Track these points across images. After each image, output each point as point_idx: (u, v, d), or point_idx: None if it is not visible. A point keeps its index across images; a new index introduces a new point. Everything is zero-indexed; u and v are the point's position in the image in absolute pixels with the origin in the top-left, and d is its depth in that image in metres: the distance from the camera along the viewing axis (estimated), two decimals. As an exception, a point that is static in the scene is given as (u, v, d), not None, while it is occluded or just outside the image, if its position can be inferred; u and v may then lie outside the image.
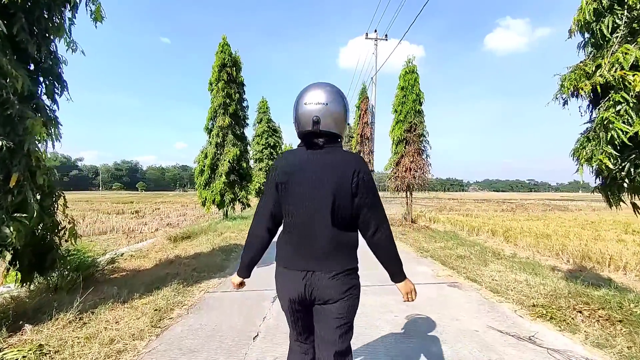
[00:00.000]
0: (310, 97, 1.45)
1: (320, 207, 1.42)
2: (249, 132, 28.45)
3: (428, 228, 10.96)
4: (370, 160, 20.17)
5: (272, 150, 21.21)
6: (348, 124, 1.64)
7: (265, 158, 21.00)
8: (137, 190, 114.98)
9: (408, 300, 1.57)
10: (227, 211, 12.02)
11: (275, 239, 1.69)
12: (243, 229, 9.18)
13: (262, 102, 21.54)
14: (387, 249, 1.53)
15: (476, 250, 6.53)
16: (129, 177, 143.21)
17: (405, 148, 11.52)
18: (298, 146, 1.55)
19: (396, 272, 1.56)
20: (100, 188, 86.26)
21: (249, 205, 12.88)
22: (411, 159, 11.34)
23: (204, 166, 11.73)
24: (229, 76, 11.90)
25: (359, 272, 1.56)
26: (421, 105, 11.60)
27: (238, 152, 11.71)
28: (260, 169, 20.83)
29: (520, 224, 12.57)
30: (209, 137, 11.95)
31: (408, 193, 11.78)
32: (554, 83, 3.12)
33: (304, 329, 1.58)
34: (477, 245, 7.33)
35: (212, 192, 11.65)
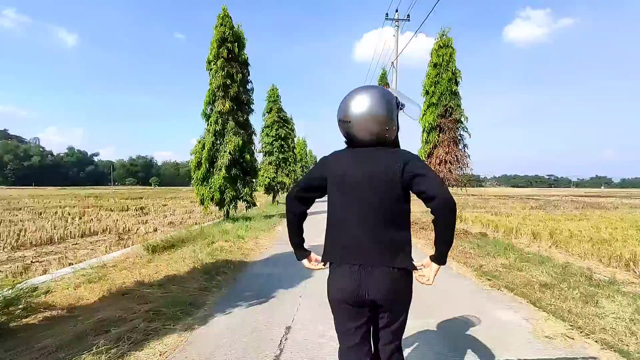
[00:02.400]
0: (341, 113, 1.50)
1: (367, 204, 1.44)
2: (257, 122, 26.81)
3: (466, 232, 9.06)
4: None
5: (282, 142, 19.49)
6: (393, 120, 1.48)
7: (276, 151, 19.28)
8: (151, 186, 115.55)
9: (424, 283, 1.50)
10: (227, 211, 10.37)
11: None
12: (242, 235, 7.50)
13: (272, 89, 19.80)
14: (442, 222, 1.41)
15: (557, 272, 4.67)
16: (143, 173, 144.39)
17: (439, 136, 9.63)
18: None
19: (442, 253, 1.47)
20: (111, 183, 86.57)
21: (254, 204, 11.22)
22: (446, 150, 9.45)
23: (201, 158, 10.09)
24: (230, 53, 10.18)
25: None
26: (457, 86, 9.67)
27: (241, 142, 10.02)
28: (270, 163, 19.15)
29: (561, 224, 10.81)
30: (207, 125, 10.29)
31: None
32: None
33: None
34: (548, 261, 5.49)
35: (210, 188, 10.00)
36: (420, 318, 3.05)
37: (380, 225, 1.42)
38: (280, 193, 20.81)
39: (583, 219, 13.19)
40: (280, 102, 19.96)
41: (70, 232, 10.51)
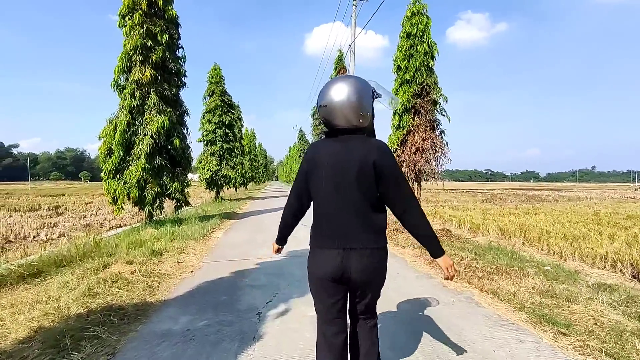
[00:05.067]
0: (320, 99, 1.57)
1: (344, 195, 1.52)
2: (195, 104, 23.88)
3: (449, 234, 7.65)
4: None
5: (227, 130, 16.98)
6: (366, 108, 1.54)
7: (219, 140, 16.75)
8: (81, 181, 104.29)
9: (448, 277, 1.55)
10: (150, 212, 7.97)
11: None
12: (161, 248, 5.29)
13: (215, 69, 17.15)
14: (418, 227, 1.54)
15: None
16: (74, 167, 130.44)
17: (413, 120, 8.09)
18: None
19: (434, 248, 1.55)
20: (29, 178, 76.17)
21: (187, 203, 8.90)
22: (423, 135, 7.94)
23: (112, 144, 7.58)
24: (153, 5, 7.76)
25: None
26: (434, 61, 8.19)
27: (167, 123, 7.67)
28: (212, 154, 16.60)
29: (522, 219, 10.39)
30: (121, 99, 7.78)
31: (416, 185, 8.39)
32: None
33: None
34: (531, 261, 4.22)
35: (125, 183, 7.55)
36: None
37: (359, 210, 1.51)
38: (225, 188, 18.33)
39: (539, 212, 12.93)
40: (224, 84, 17.43)
41: None
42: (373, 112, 1.59)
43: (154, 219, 8.46)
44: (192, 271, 4.41)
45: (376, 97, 1.59)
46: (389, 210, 1.60)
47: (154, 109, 7.69)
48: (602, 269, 5.61)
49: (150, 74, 7.60)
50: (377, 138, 1.61)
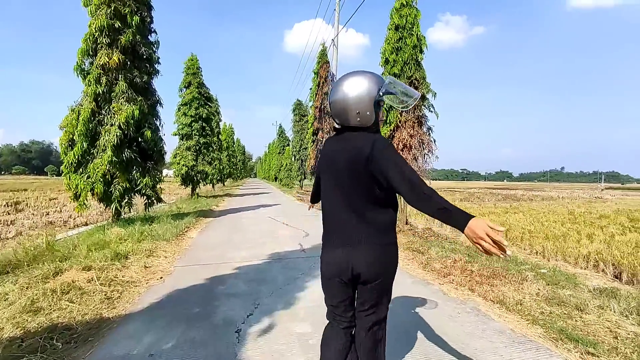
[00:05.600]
0: (329, 96, 1.58)
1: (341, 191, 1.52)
2: (170, 95, 22.92)
3: (432, 232, 7.41)
4: (330, 141, 16.26)
5: (204, 124, 16.18)
6: (364, 106, 1.49)
7: (196, 134, 15.95)
8: (47, 175, 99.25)
9: (484, 250, 1.16)
10: (117, 209, 7.29)
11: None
12: (127, 250, 4.68)
13: (192, 59, 16.32)
14: (431, 205, 1.31)
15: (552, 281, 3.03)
16: (39, 160, 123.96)
17: (401, 115, 7.79)
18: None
19: (458, 219, 1.23)
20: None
21: (159, 200, 8.24)
22: (410, 132, 7.66)
23: (74, 134, 6.87)
24: (121, -17, 7.08)
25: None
26: (422, 54, 7.92)
27: (137, 113, 7.02)
28: (188, 148, 15.80)
29: (502, 217, 10.60)
30: (85, 85, 7.06)
31: (403, 182, 8.09)
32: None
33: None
34: (526, 264, 3.98)
35: (87, 177, 6.86)
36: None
37: (359, 207, 1.48)
38: (201, 185, 17.56)
39: (517, 212, 13.12)
40: (201, 75, 16.63)
41: None
42: (377, 110, 1.52)
43: (122, 217, 7.79)
44: (161, 277, 3.89)
45: (381, 96, 1.50)
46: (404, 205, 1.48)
47: (123, 97, 7.02)
48: (585, 269, 5.64)
49: (119, 59, 6.92)
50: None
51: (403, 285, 3.71)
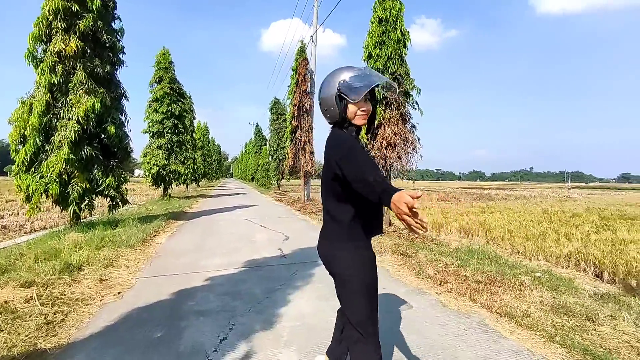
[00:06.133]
0: None
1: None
2: (139, 92, 21.85)
3: (416, 233, 7.15)
4: (309, 140, 15.84)
5: (176, 121, 15.35)
6: (328, 102, 1.51)
7: (168, 132, 15.11)
8: (6, 175, 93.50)
9: (411, 228, 1.04)
10: (76, 212, 6.58)
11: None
12: (80, 260, 4.06)
13: (163, 53, 15.43)
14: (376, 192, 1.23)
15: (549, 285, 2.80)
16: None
17: (384, 112, 7.49)
18: None
19: (380, 195, 1.19)
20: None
21: (125, 202, 7.53)
22: (394, 129, 7.37)
23: (26, 129, 6.13)
24: (80, -38, 6.38)
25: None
26: (406, 49, 7.66)
27: (99, 106, 6.35)
28: (159, 147, 14.94)
29: (480, 217, 10.46)
30: (37, 74, 6.32)
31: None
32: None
33: None
34: (519, 267, 3.80)
35: (41, 177, 6.14)
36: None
37: (325, 202, 1.57)
38: (174, 185, 16.71)
39: (495, 211, 13.17)
40: (173, 70, 15.80)
41: None
42: (340, 105, 1.47)
43: (82, 220, 7.07)
44: (119, 292, 3.35)
45: (339, 89, 1.46)
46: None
47: (82, 88, 6.33)
48: (567, 269, 5.63)
49: (77, 46, 6.23)
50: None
51: (395, 296, 3.35)
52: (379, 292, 2.99)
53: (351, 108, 1.46)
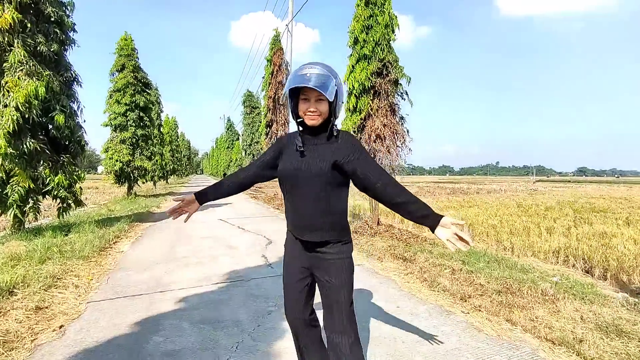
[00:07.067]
0: None
1: None
2: (95, 81, 20.21)
3: (399, 230, 6.67)
4: (284, 133, 15.07)
5: (141, 113, 14.10)
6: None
7: (132, 125, 13.85)
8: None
9: (460, 248, 1.20)
10: (16, 215, 5.56)
11: None
12: (14, 281, 3.20)
13: (125, 39, 14.06)
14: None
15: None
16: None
17: (372, 102, 6.93)
18: None
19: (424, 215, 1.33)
20: None
21: (79, 203, 6.52)
22: (383, 121, 6.83)
23: (-50, 117, 5.05)
24: None
25: None
26: (394, 35, 7.12)
27: (43, 91, 5.35)
28: (123, 141, 13.67)
29: (461, 212, 10.37)
30: (-37, 51, 5.23)
31: (375, 177, 7.24)
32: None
33: None
34: (532, 270, 3.38)
35: (-30, 175, 5.09)
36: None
37: None
38: (140, 182, 15.45)
39: (472, 206, 13.09)
40: (137, 58, 14.51)
41: None
42: (290, 102, 1.50)
43: (27, 226, 6.05)
44: (60, 326, 2.56)
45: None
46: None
47: (22, 70, 5.30)
48: (556, 264, 5.47)
49: (14, 18, 5.20)
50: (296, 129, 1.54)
51: (418, 315, 2.76)
52: (396, 313, 2.48)
53: (301, 106, 1.43)
